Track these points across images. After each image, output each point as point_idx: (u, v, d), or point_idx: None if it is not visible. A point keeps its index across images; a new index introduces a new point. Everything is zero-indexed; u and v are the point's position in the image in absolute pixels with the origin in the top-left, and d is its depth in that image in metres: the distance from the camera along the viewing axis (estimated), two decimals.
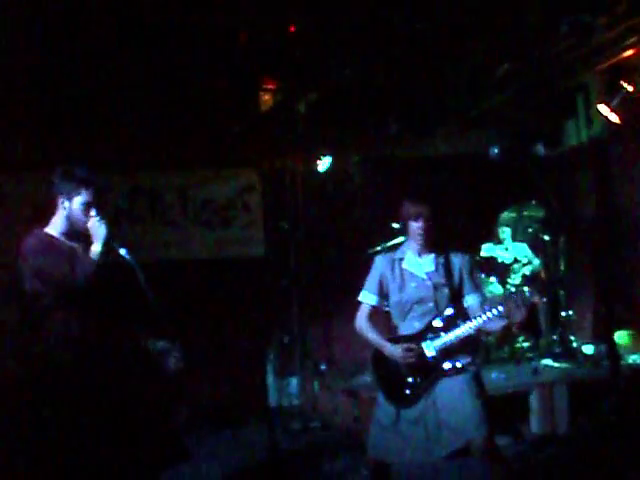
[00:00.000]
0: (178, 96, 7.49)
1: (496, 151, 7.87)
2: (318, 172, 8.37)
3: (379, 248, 7.79)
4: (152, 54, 6.67)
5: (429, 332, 4.30)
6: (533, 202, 7.80)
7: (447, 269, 4.33)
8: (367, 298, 4.48)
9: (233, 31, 6.72)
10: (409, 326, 4.36)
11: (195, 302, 7.99)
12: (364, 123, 8.00)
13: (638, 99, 7.03)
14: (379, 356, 4.42)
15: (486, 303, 4.31)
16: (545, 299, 7.67)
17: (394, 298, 4.40)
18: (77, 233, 4.25)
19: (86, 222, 4.19)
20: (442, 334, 4.26)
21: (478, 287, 4.43)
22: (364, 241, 8.02)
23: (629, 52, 6.80)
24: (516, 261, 7.72)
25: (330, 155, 8.27)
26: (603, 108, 7.16)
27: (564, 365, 7.16)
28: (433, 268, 4.36)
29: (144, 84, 7.18)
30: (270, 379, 8.38)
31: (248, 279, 8.36)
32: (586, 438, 6.21)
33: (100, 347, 4.17)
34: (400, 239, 7.60)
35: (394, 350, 4.31)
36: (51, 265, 4.09)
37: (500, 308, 4.15)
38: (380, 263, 4.49)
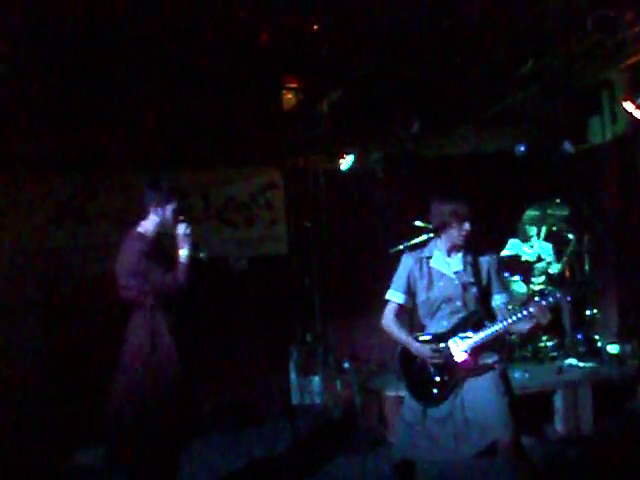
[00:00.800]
0: (201, 95, 7.50)
1: (522, 149, 7.83)
2: (340, 170, 8.38)
3: (402, 247, 7.77)
4: (175, 52, 6.67)
5: (457, 331, 4.29)
6: (557, 200, 7.73)
7: (475, 269, 4.32)
8: (395, 296, 4.48)
9: (255, 29, 6.73)
10: (437, 325, 4.36)
11: (218, 301, 8.01)
12: (386, 121, 7.97)
13: None
14: (406, 355, 4.42)
15: (512, 303, 4.29)
16: (570, 298, 7.59)
17: (422, 297, 4.40)
18: (166, 236, 4.89)
19: (175, 227, 4.89)
20: (470, 334, 4.25)
21: (505, 287, 4.43)
22: (386, 239, 8.00)
23: None
24: (540, 259, 7.66)
25: (352, 153, 8.27)
26: (628, 105, 7.09)
27: (589, 364, 7.10)
28: (461, 267, 4.35)
29: (167, 83, 7.19)
30: (293, 377, 8.37)
31: (271, 277, 8.37)
32: (611, 439, 6.16)
33: (173, 340, 4.74)
34: (423, 237, 7.61)
35: (422, 349, 4.33)
36: (153, 266, 4.69)
37: (529, 310, 4.14)
38: (408, 261, 4.49)
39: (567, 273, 7.66)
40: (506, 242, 7.93)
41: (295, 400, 8.20)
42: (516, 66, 6.94)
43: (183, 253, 4.85)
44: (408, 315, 4.61)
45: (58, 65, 6.69)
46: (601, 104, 8.45)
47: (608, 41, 6.35)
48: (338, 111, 7.78)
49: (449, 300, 4.31)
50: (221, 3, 6.27)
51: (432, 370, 4.30)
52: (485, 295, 4.34)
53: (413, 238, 7.58)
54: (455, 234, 4.33)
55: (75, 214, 7.97)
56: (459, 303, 4.30)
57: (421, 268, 4.41)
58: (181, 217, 4.95)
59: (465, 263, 4.35)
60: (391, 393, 6.63)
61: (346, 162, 8.29)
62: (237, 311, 8.08)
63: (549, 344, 7.70)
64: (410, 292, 4.45)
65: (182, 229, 4.91)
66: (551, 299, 4.16)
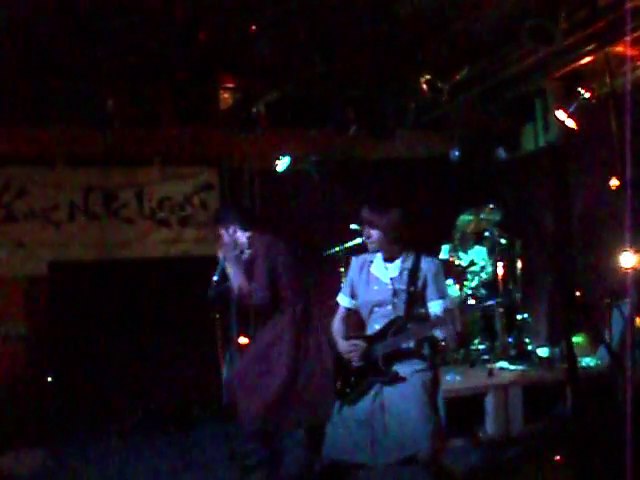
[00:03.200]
0: (138, 92, 7.38)
1: (457, 154, 7.92)
2: (276, 172, 8.32)
3: (337, 249, 7.80)
4: (112, 47, 6.55)
5: (382, 335, 4.28)
6: (490, 205, 7.83)
7: (411, 275, 4.29)
8: (342, 300, 4.56)
9: (194, 27, 6.66)
10: (371, 327, 4.37)
11: (151, 301, 7.91)
12: (323, 124, 8.00)
13: (594, 106, 7.13)
14: (338, 353, 4.46)
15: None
16: (501, 302, 7.71)
17: (360, 299, 4.44)
18: None
19: None
20: (389, 339, 4.24)
21: (442, 293, 4.35)
22: (322, 242, 8.02)
23: (587, 59, 6.90)
24: (473, 264, 7.75)
25: (289, 155, 8.22)
26: (560, 114, 7.25)
27: (519, 367, 7.19)
28: (397, 274, 4.33)
29: (103, 79, 7.06)
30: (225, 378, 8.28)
31: (204, 278, 8.25)
32: (540, 440, 6.25)
33: None
34: (358, 240, 7.64)
35: (341, 345, 4.40)
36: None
37: (438, 317, 4.17)
38: (352, 265, 4.53)
39: (499, 278, 7.75)
40: (440, 247, 8.00)
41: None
42: (452, 72, 7.03)
43: None
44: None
45: None
46: (534, 112, 8.61)
47: (542, 50, 6.49)
48: (275, 112, 7.80)
49: (380, 304, 4.32)
50: (159, 1, 6.23)
51: (350, 370, 4.31)
52: (419, 301, 4.32)
53: (348, 241, 7.67)
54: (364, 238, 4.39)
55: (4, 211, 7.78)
56: (389, 307, 4.29)
57: (362, 271, 4.44)
58: None
59: (402, 269, 4.33)
60: None
61: (282, 164, 8.23)
62: (172, 312, 7.98)
63: (480, 347, 7.80)
64: (353, 295, 4.49)
65: None
66: (459, 309, 4.19)
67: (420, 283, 4.31)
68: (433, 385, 4.27)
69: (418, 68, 6.91)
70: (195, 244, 8.47)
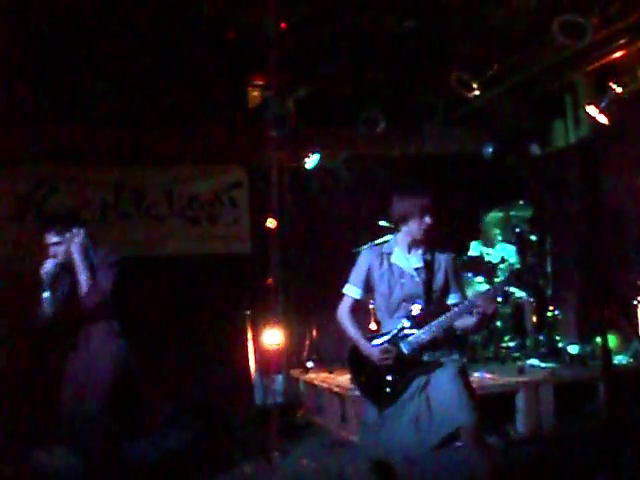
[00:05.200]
0: (167, 92, 7.42)
1: (490, 150, 7.86)
2: (306, 169, 8.33)
3: (366, 246, 7.77)
4: (140, 48, 6.60)
5: (407, 328, 4.23)
6: (521, 202, 7.78)
7: (434, 266, 4.27)
8: (351, 291, 4.39)
9: (223, 25, 6.68)
10: (394, 322, 4.29)
11: (181, 298, 7.95)
12: (352, 120, 7.97)
13: (626, 101, 7.05)
14: (357, 354, 4.34)
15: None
16: (532, 299, 7.66)
17: (382, 294, 4.31)
18: None
19: None
20: (415, 330, 4.20)
21: (461, 287, 4.36)
22: (351, 239, 7.99)
23: (619, 53, 6.86)
24: (503, 261, 7.70)
25: (318, 152, 8.22)
26: (592, 109, 7.16)
27: (550, 365, 7.14)
28: (421, 264, 4.28)
29: (132, 79, 7.11)
30: (255, 377, 8.32)
31: (234, 276, 8.30)
32: (572, 438, 6.20)
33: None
34: (387, 237, 7.61)
35: (372, 350, 4.24)
36: None
37: (471, 300, 4.12)
38: (367, 256, 4.38)
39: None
40: (469, 244, 7.96)
41: (258, 400, 8.13)
42: (482, 68, 6.99)
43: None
44: (363, 310, 4.57)
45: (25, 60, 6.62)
46: (565, 108, 8.53)
47: (574, 45, 6.42)
48: (304, 109, 7.78)
49: (409, 299, 4.24)
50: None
51: (383, 369, 4.22)
52: (443, 293, 4.30)
53: (377, 238, 7.65)
54: (415, 228, 4.24)
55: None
56: (419, 301, 4.23)
57: (381, 264, 4.32)
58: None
59: (425, 260, 4.28)
60: (354, 393, 6.58)
61: (311, 161, 8.24)
62: (200, 309, 8.02)
63: (511, 345, 7.75)
64: (368, 288, 4.37)
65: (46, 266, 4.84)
66: (493, 291, 4.18)
67: (441, 275, 4.29)
68: (466, 374, 4.25)
69: (448, 64, 6.85)
70: (224, 242, 8.50)
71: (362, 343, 4.30)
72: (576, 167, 8.38)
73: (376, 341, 4.28)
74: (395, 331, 4.26)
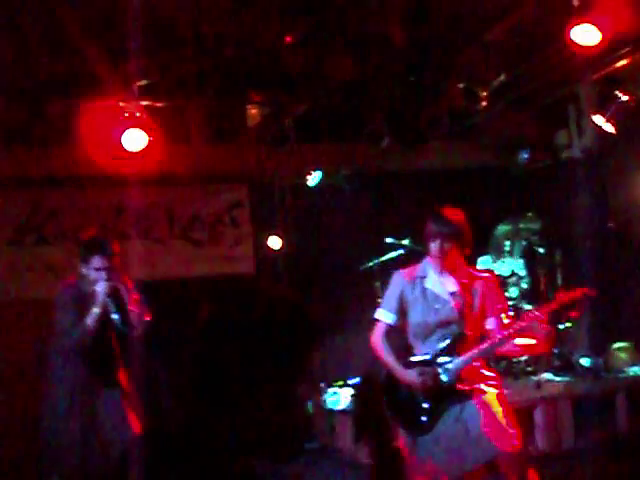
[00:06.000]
0: (164, 107, 7.28)
1: (525, 156, 7.73)
2: (308, 187, 8.21)
3: (372, 264, 7.66)
4: (137, 61, 6.47)
5: (444, 355, 4.09)
6: (529, 214, 7.68)
7: (470, 289, 4.12)
8: (384, 316, 4.27)
9: (220, 42, 6.58)
10: (428, 348, 4.14)
11: (184, 323, 7.76)
12: (355, 136, 7.86)
13: (633, 109, 6.98)
14: (391, 381, 4.23)
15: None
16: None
17: (415, 319, 4.18)
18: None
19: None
20: (452, 358, 4.06)
21: (499, 309, 4.18)
22: (356, 257, 7.87)
23: (623, 62, 6.76)
24: (513, 274, 7.59)
25: (320, 169, 8.11)
26: (598, 118, 7.08)
27: (565, 378, 7.03)
28: (456, 288, 4.13)
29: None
30: None
31: (236, 298, 8.12)
32: (593, 453, 6.07)
33: None
34: (393, 254, 7.49)
35: (408, 375, 4.11)
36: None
37: (521, 323, 3.98)
38: (399, 280, 4.26)
39: (540, 288, 7.58)
40: (477, 259, 7.84)
41: None
42: (487, 79, 6.90)
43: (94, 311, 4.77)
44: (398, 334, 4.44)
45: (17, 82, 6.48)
46: (568, 118, 8.45)
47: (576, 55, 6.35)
48: (305, 126, 7.68)
49: (445, 324, 4.10)
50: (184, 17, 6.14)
51: (419, 397, 4.10)
52: (481, 317, 4.15)
53: (383, 255, 7.53)
54: (433, 252, 4.13)
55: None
56: (454, 327, 4.09)
57: (414, 288, 4.19)
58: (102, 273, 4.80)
59: (460, 284, 4.13)
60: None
61: (313, 178, 8.13)
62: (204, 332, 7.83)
63: (522, 358, 7.62)
64: (401, 313, 4.24)
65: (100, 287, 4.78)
66: (548, 331, 3.95)
67: (478, 299, 4.14)
68: (504, 398, 4.13)
69: (453, 75, 6.77)
70: (227, 262, 8.34)
71: (397, 369, 4.17)
72: (583, 178, 8.29)
73: (412, 368, 4.14)
74: (429, 357, 4.12)
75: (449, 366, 4.06)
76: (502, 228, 7.84)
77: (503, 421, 3.95)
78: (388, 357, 4.22)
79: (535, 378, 7.01)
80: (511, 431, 3.93)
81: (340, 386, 7.58)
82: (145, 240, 8.08)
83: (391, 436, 4.83)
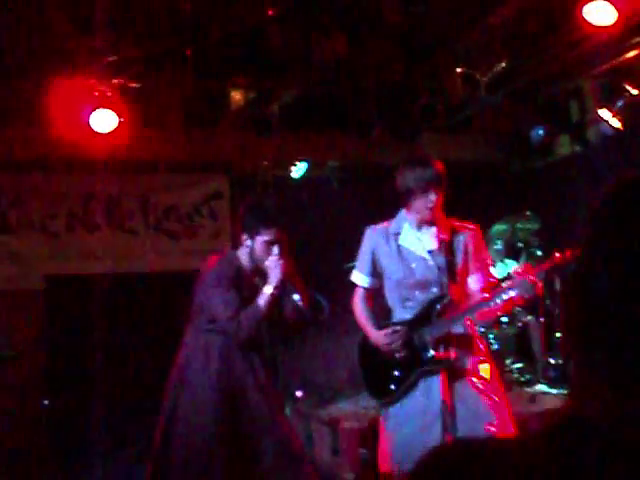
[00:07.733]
0: (140, 90, 6.83)
1: (541, 132, 7.33)
2: (292, 179, 7.83)
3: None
4: (111, 39, 6.05)
5: (424, 317, 3.64)
6: (527, 213, 7.25)
7: (451, 246, 3.64)
8: (359, 279, 3.86)
9: (201, 22, 6.18)
10: (406, 312, 3.71)
11: (157, 318, 7.32)
12: (344, 126, 7.41)
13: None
14: (366, 344, 3.81)
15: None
16: (542, 319, 7.11)
17: (391, 280, 3.74)
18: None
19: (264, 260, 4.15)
20: (435, 321, 3.60)
21: (483, 267, 3.73)
22: (342, 253, 7.43)
23: (631, 53, 6.39)
24: (510, 277, 7.15)
25: (306, 160, 7.72)
26: (604, 112, 6.73)
27: (560, 390, 6.60)
28: (435, 245, 3.66)
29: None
30: None
31: None
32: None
33: None
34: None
35: (378, 336, 3.69)
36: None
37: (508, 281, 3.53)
38: (371, 238, 3.84)
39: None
40: None
41: None
42: (487, 68, 6.49)
43: (266, 290, 4.09)
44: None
45: None
46: (569, 115, 8.05)
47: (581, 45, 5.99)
48: (291, 113, 7.22)
49: (424, 286, 3.65)
50: None
51: (392, 362, 3.66)
52: (463, 277, 3.68)
53: None
54: (421, 206, 3.66)
55: None
56: (435, 289, 3.64)
57: (389, 246, 3.74)
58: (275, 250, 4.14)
59: (440, 240, 3.66)
60: (347, 425, 6.02)
61: (299, 170, 7.75)
62: (178, 330, 7.39)
63: (516, 367, 7.20)
64: (376, 273, 3.81)
65: (272, 264, 4.12)
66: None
67: (461, 257, 3.66)
68: (494, 377, 3.65)
69: (452, 60, 6.36)
70: (203, 257, 7.84)
71: (369, 330, 3.75)
72: (583, 176, 7.90)
73: (386, 330, 3.70)
74: (407, 321, 3.66)
75: (424, 330, 3.62)
76: (498, 227, 7.41)
77: (492, 406, 3.52)
78: (361, 318, 3.83)
79: (529, 390, 6.58)
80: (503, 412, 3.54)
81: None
82: (116, 230, 7.58)
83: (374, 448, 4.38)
